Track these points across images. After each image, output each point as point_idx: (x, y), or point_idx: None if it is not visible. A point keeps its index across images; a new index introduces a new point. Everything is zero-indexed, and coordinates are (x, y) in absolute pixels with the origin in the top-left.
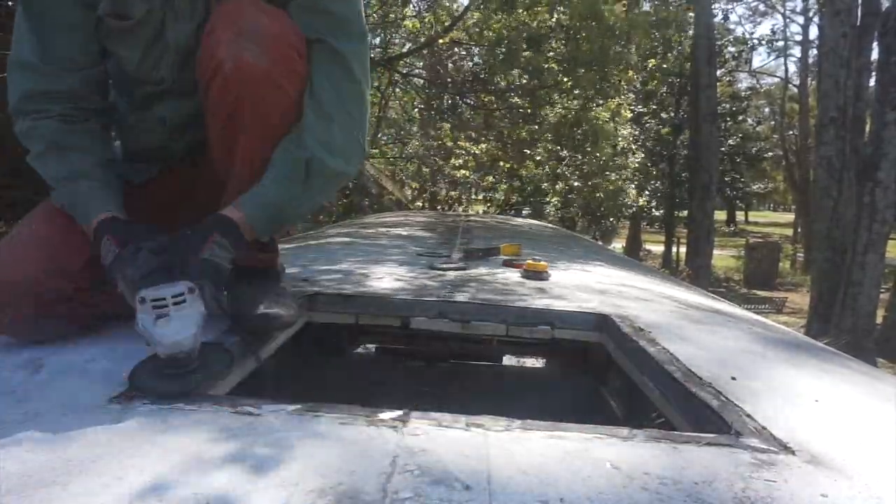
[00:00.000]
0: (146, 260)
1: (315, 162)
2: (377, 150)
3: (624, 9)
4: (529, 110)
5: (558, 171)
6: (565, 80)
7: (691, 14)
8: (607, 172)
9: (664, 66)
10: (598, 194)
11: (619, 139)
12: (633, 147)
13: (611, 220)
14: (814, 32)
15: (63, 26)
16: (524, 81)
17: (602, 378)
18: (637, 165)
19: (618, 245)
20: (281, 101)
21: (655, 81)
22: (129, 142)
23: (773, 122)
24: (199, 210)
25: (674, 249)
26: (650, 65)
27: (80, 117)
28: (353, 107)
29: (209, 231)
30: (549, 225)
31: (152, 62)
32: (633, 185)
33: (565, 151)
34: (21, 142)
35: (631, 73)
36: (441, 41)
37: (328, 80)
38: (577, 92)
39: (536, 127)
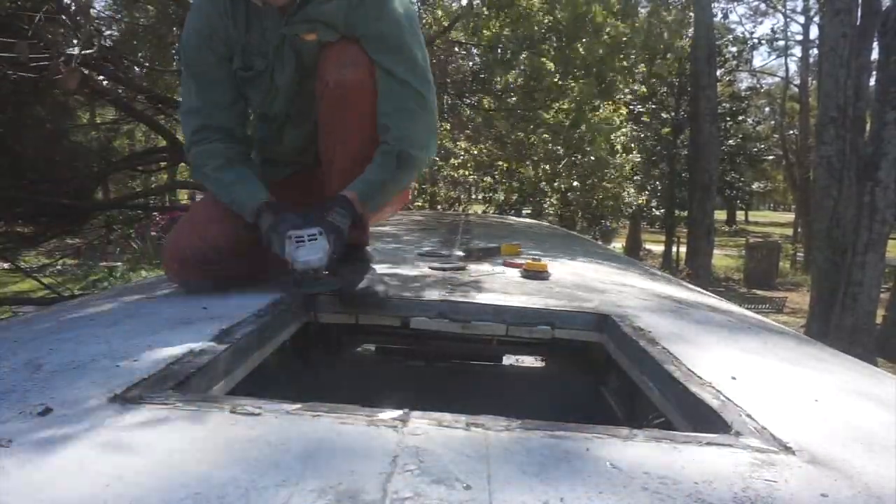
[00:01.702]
0: (291, 221)
1: (403, 154)
2: None
3: (622, 25)
4: (529, 112)
5: (557, 169)
6: (560, 83)
7: (690, 14)
8: (605, 172)
9: (661, 68)
10: (597, 195)
11: (616, 141)
12: (632, 146)
13: (610, 219)
14: (814, 32)
15: (214, 80)
16: (521, 82)
17: (602, 378)
18: (635, 163)
19: (618, 245)
20: (367, 103)
21: (644, 87)
22: (270, 153)
23: (773, 122)
24: (313, 203)
25: (674, 249)
26: (642, 69)
27: (232, 143)
28: (424, 110)
29: (334, 204)
30: (549, 225)
31: (269, 101)
32: (632, 185)
33: (562, 151)
34: (192, 166)
35: (629, 80)
36: (439, 41)
37: (400, 97)
38: (573, 94)
39: (533, 127)
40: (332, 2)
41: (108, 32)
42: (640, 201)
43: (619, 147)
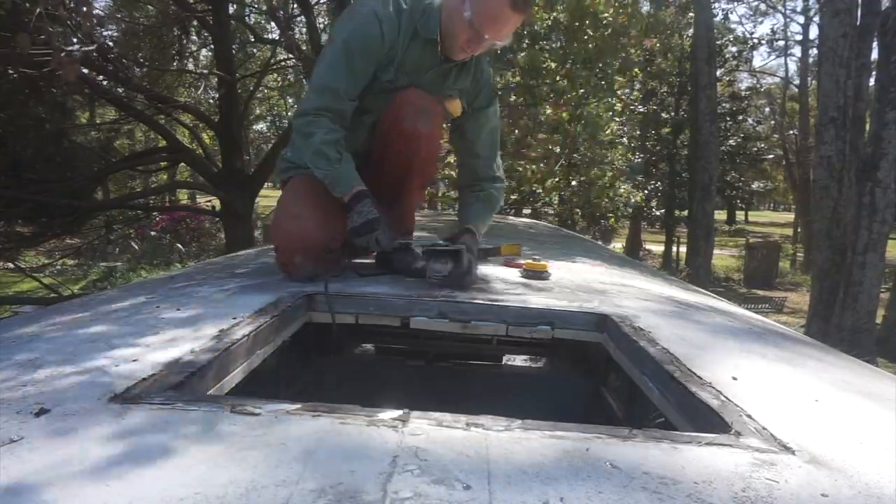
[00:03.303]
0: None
1: (493, 198)
2: None
3: (621, 10)
4: (527, 109)
5: (554, 169)
6: (560, 77)
7: (691, 14)
8: (600, 167)
9: (664, 67)
10: (592, 193)
11: (606, 136)
12: (623, 139)
13: (608, 217)
14: (814, 32)
15: (360, 76)
16: (519, 80)
17: (602, 378)
18: (625, 154)
19: (618, 245)
20: (433, 152)
21: (638, 91)
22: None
23: (773, 122)
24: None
25: (674, 249)
26: (638, 74)
27: (343, 132)
28: (497, 148)
29: (462, 233)
30: (549, 225)
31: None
32: (626, 179)
33: (559, 150)
34: (295, 136)
35: (632, 73)
36: None
37: (481, 137)
38: (574, 92)
39: (532, 125)
40: (469, 76)
41: (107, 32)
42: (637, 198)
43: (609, 136)
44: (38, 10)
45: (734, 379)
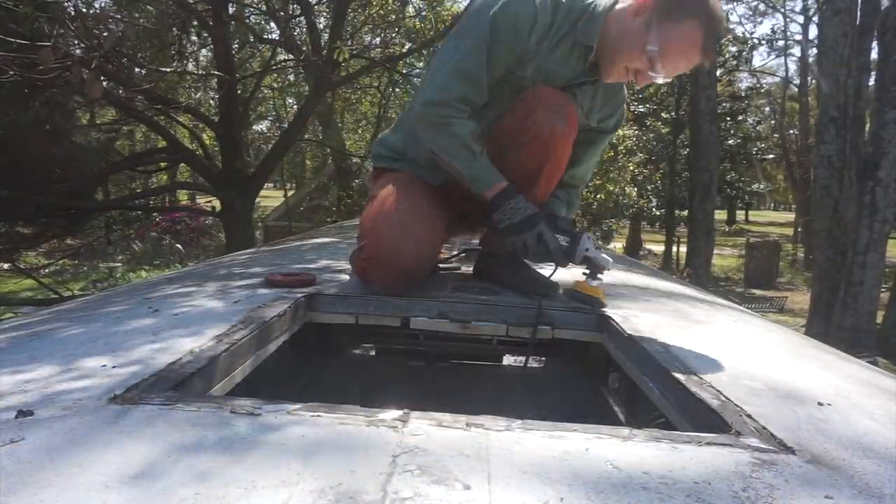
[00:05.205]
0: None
1: (579, 192)
2: None
3: None
4: None
5: None
6: None
7: None
8: (608, 174)
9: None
10: (599, 197)
11: (621, 144)
12: (635, 149)
13: (612, 220)
14: (814, 32)
15: (501, 64)
16: None
17: (602, 378)
18: (637, 165)
19: (618, 245)
20: (567, 153)
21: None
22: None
23: (773, 122)
24: (467, 206)
25: (674, 249)
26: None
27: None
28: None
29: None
30: None
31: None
32: (633, 186)
33: None
34: (425, 125)
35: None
36: (442, 43)
37: (589, 162)
38: None
39: None
40: (605, 95)
41: (105, 34)
42: (640, 203)
43: (622, 150)
44: (56, 27)
45: (735, 379)
